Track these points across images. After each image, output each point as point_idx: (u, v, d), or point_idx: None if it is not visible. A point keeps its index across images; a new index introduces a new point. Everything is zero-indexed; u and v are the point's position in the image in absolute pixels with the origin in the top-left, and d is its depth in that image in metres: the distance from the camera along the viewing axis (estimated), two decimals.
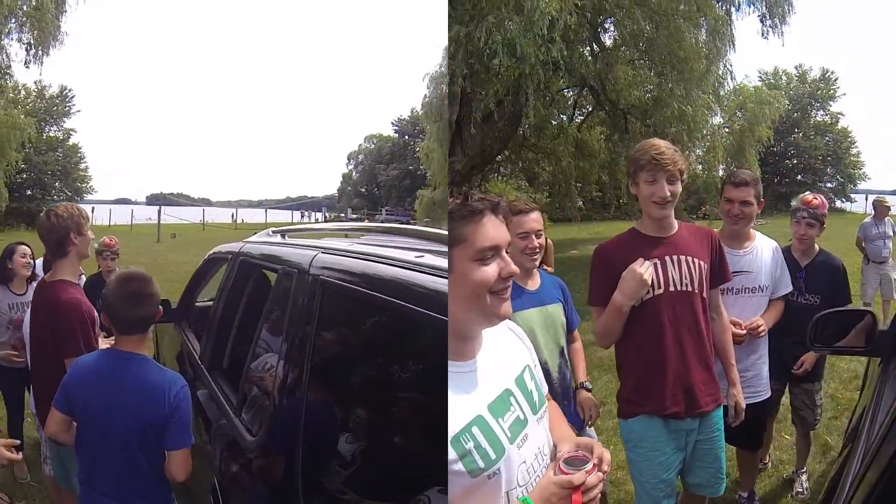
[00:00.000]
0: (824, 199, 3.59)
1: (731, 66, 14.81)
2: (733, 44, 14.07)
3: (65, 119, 37.05)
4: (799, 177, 36.05)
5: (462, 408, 1.33)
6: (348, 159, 62.05)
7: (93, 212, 37.74)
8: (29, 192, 34.67)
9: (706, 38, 13.71)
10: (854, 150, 37.07)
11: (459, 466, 1.29)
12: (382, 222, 34.08)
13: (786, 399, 3.84)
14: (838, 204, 35.46)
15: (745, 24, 63.81)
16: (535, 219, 2.75)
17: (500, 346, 1.51)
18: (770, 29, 14.70)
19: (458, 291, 1.34)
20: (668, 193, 2.38)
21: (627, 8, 12.61)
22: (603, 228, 21.22)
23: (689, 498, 2.86)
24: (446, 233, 1.42)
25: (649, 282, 2.40)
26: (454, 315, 1.35)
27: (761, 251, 3.13)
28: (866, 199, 27.41)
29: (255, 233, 3.87)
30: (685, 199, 19.42)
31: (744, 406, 2.75)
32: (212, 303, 3.66)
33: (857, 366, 5.79)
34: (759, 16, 14.69)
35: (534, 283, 2.86)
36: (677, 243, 2.50)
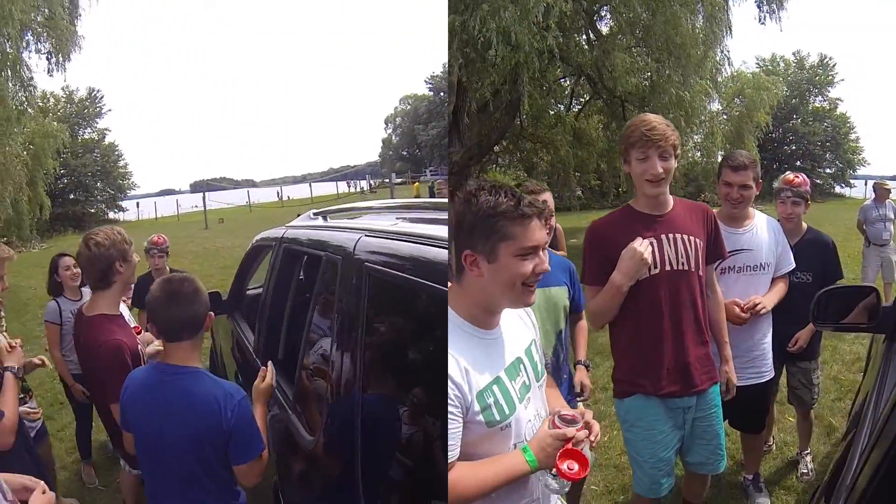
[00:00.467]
0: (805, 178, 3.57)
1: (728, 52, 14.74)
2: (730, 29, 13.97)
3: (97, 120, 37.37)
4: (798, 163, 35.84)
5: (487, 369, 1.56)
6: (386, 123, 61.42)
7: (138, 207, 38.11)
8: (72, 196, 34.87)
9: (703, 23, 13.57)
10: (853, 136, 36.97)
11: (480, 417, 1.51)
12: (431, 185, 33.01)
13: (784, 379, 3.81)
14: (837, 189, 35.36)
15: (743, 10, 63.60)
16: (545, 199, 2.72)
17: (513, 321, 1.72)
18: (768, 14, 14.55)
19: (497, 277, 1.53)
20: (661, 170, 2.33)
21: None
22: None
23: (691, 478, 2.84)
24: None
25: (649, 261, 2.36)
26: (489, 292, 1.56)
27: (761, 229, 3.08)
28: (865, 185, 27.32)
29: (301, 209, 3.76)
30: (684, 187, 19.38)
31: (736, 383, 2.72)
32: (261, 290, 3.60)
33: (860, 348, 5.77)
34: (756, 1, 14.56)
35: None
36: (673, 221, 2.45)
